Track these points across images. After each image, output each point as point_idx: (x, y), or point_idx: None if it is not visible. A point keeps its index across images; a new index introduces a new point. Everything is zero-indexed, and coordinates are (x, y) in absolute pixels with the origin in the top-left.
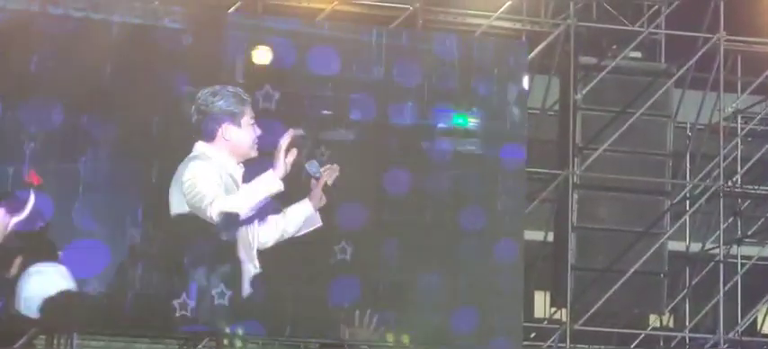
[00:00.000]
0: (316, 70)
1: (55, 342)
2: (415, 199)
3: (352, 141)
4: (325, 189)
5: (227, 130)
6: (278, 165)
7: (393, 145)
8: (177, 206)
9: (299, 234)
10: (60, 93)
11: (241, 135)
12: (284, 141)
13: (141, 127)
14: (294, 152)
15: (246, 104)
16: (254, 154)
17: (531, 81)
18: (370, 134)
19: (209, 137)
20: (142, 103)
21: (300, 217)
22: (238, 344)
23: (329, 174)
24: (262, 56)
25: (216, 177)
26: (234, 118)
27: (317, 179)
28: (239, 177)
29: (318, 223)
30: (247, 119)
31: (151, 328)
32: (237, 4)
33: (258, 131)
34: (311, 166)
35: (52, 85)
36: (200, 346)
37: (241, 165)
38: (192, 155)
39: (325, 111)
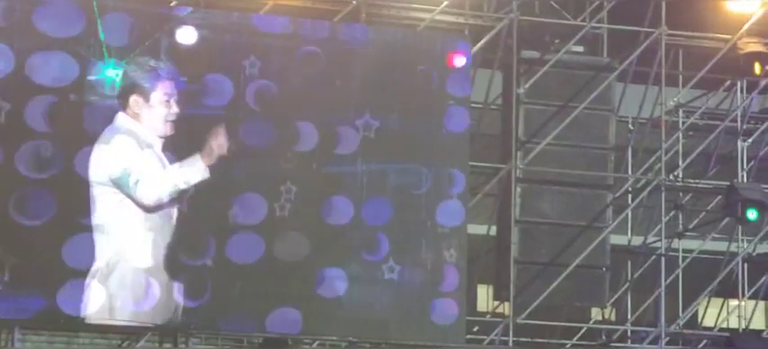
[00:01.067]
0: None
1: None
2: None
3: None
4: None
5: (136, 103)
6: (206, 154)
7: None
8: (97, 176)
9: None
10: None
11: (150, 111)
12: (216, 134)
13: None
14: (223, 145)
15: (161, 80)
16: (166, 131)
17: (473, 75)
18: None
19: (122, 108)
20: None
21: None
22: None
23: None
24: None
25: (137, 153)
26: (142, 91)
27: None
28: (159, 150)
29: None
30: (159, 94)
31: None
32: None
33: (175, 108)
34: None
35: None
36: (142, 342)
37: (160, 138)
38: (114, 125)
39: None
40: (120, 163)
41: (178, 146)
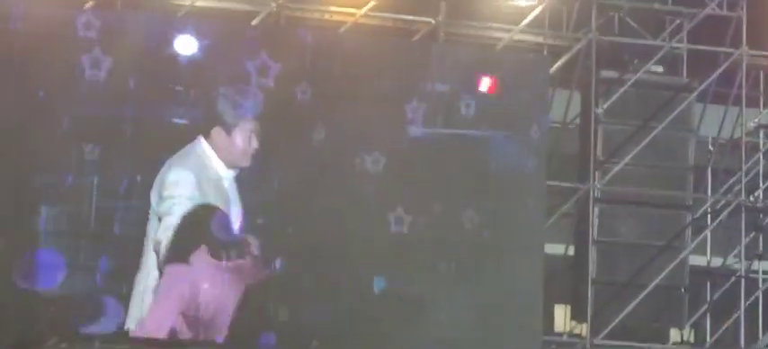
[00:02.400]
0: None
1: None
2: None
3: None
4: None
5: (217, 134)
6: None
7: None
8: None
9: None
10: None
11: (229, 143)
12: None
13: None
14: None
15: (245, 117)
16: (244, 164)
17: (552, 95)
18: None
19: (206, 134)
20: None
21: None
22: None
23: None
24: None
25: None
26: (225, 124)
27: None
28: (227, 184)
29: None
30: (245, 128)
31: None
32: (259, 17)
33: (255, 144)
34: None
35: None
36: None
37: (232, 170)
38: (191, 148)
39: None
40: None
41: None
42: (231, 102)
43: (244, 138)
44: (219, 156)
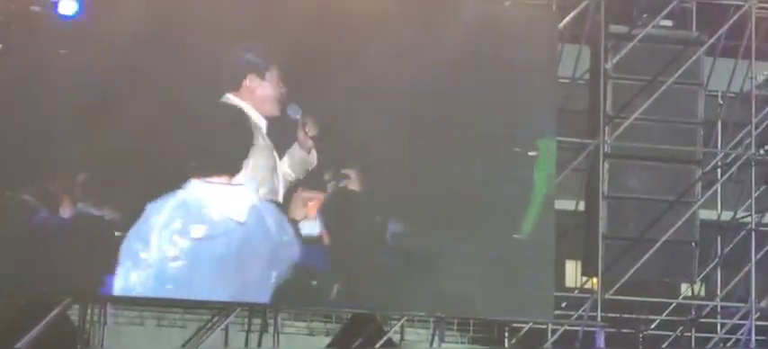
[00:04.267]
0: None
1: (88, 312)
2: (445, 170)
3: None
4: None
5: (251, 80)
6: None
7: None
8: None
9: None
10: None
11: (264, 88)
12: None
13: None
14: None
15: (273, 62)
16: (275, 112)
17: (561, 50)
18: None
19: (234, 86)
20: None
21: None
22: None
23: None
24: None
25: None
26: (258, 70)
27: (297, 120)
28: (264, 130)
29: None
30: (273, 75)
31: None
32: None
33: (283, 88)
34: (292, 110)
35: None
36: (232, 316)
37: (265, 118)
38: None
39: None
40: None
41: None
42: (260, 50)
43: (276, 84)
44: (253, 104)
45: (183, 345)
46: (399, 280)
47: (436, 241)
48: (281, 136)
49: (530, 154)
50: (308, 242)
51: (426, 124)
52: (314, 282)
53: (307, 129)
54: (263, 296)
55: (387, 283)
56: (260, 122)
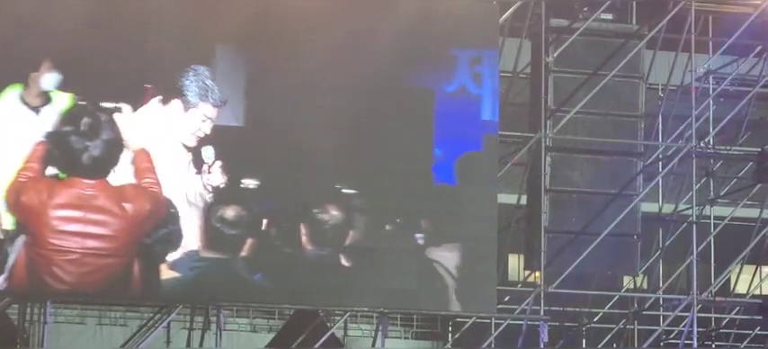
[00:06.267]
0: None
1: (28, 311)
2: (385, 165)
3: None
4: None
5: (175, 106)
6: None
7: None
8: None
9: None
10: None
11: (183, 119)
12: None
13: None
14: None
15: (207, 101)
16: (190, 144)
17: (502, 44)
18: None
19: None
20: None
21: None
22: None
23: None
24: None
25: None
26: (185, 101)
27: (208, 166)
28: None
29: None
30: (200, 113)
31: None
32: None
33: (207, 131)
34: (207, 151)
35: None
36: (173, 314)
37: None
38: None
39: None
40: None
41: None
42: (199, 83)
43: (199, 121)
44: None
45: (125, 344)
46: (342, 275)
47: (378, 237)
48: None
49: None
50: None
51: (366, 120)
52: (256, 277)
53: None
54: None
55: (329, 279)
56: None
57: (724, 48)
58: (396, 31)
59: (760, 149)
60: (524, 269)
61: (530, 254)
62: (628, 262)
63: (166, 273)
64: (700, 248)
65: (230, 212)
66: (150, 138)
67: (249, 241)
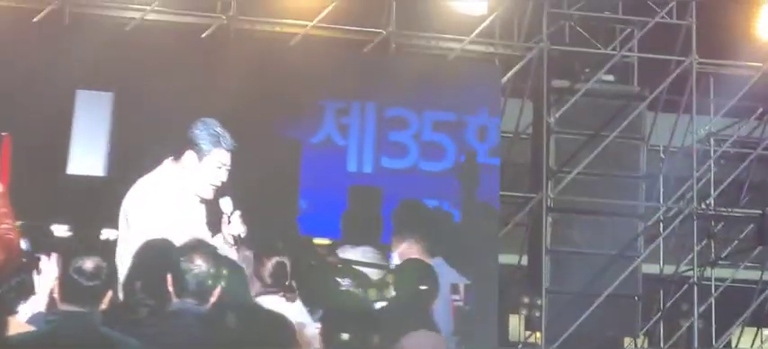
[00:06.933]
0: None
1: None
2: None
3: None
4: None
5: (188, 157)
6: None
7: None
8: None
9: None
10: None
11: (198, 169)
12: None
13: None
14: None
15: (220, 147)
16: (207, 196)
17: (504, 104)
18: None
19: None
20: None
21: None
22: None
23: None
24: None
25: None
26: (198, 150)
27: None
28: (190, 211)
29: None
30: (214, 159)
31: None
32: (210, 30)
33: (223, 178)
34: (225, 202)
35: None
36: None
37: (201, 201)
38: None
39: None
40: None
41: None
42: (210, 130)
43: (215, 169)
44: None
45: None
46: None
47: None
48: None
49: None
50: None
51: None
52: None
53: None
54: None
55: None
56: None
57: (725, 110)
58: (400, 90)
59: (761, 211)
60: (525, 329)
61: (531, 314)
62: (629, 323)
63: (20, 327)
64: (701, 310)
65: (89, 264)
66: (165, 198)
67: (109, 293)
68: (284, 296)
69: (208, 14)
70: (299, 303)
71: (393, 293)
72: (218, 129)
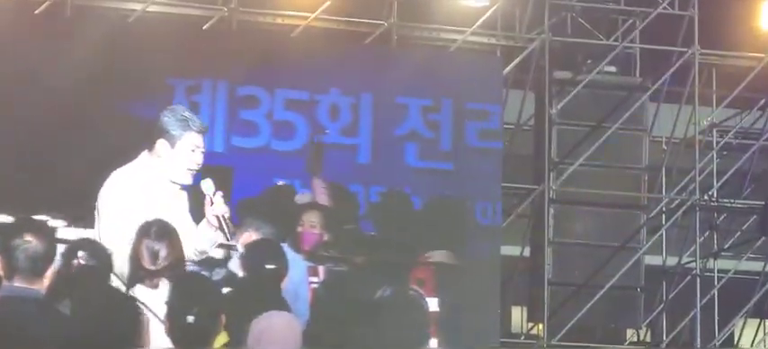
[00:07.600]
0: None
1: None
2: (392, 214)
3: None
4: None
5: (161, 146)
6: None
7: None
8: None
9: None
10: None
11: (172, 156)
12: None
13: None
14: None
15: (190, 130)
16: (186, 181)
17: (506, 96)
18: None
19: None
20: None
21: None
22: None
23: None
24: None
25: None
26: (169, 137)
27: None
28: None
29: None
30: (186, 143)
31: None
32: (211, 22)
33: (199, 160)
34: (206, 184)
35: None
36: None
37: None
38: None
39: None
40: None
41: None
42: (178, 116)
43: (190, 153)
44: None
45: None
46: (333, 324)
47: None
48: None
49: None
50: None
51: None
52: None
53: None
54: None
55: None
56: None
57: (728, 101)
58: (399, 82)
59: (764, 202)
60: (527, 321)
61: (533, 306)
62: (631, 314)
63: None
64: (703, 301)
65: None
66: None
67: None
68: (146, 283)
69: (209, 6)
70: (162, 289)
71: (240, 273)
72: (186, 114)
